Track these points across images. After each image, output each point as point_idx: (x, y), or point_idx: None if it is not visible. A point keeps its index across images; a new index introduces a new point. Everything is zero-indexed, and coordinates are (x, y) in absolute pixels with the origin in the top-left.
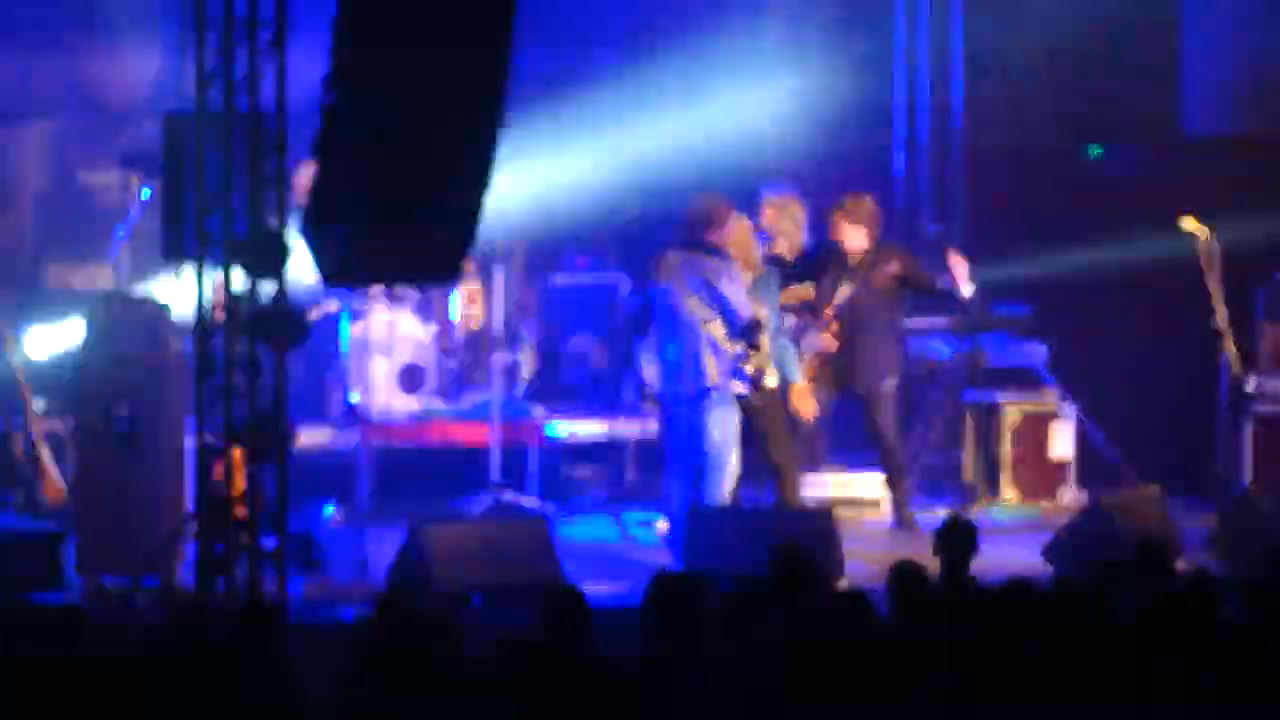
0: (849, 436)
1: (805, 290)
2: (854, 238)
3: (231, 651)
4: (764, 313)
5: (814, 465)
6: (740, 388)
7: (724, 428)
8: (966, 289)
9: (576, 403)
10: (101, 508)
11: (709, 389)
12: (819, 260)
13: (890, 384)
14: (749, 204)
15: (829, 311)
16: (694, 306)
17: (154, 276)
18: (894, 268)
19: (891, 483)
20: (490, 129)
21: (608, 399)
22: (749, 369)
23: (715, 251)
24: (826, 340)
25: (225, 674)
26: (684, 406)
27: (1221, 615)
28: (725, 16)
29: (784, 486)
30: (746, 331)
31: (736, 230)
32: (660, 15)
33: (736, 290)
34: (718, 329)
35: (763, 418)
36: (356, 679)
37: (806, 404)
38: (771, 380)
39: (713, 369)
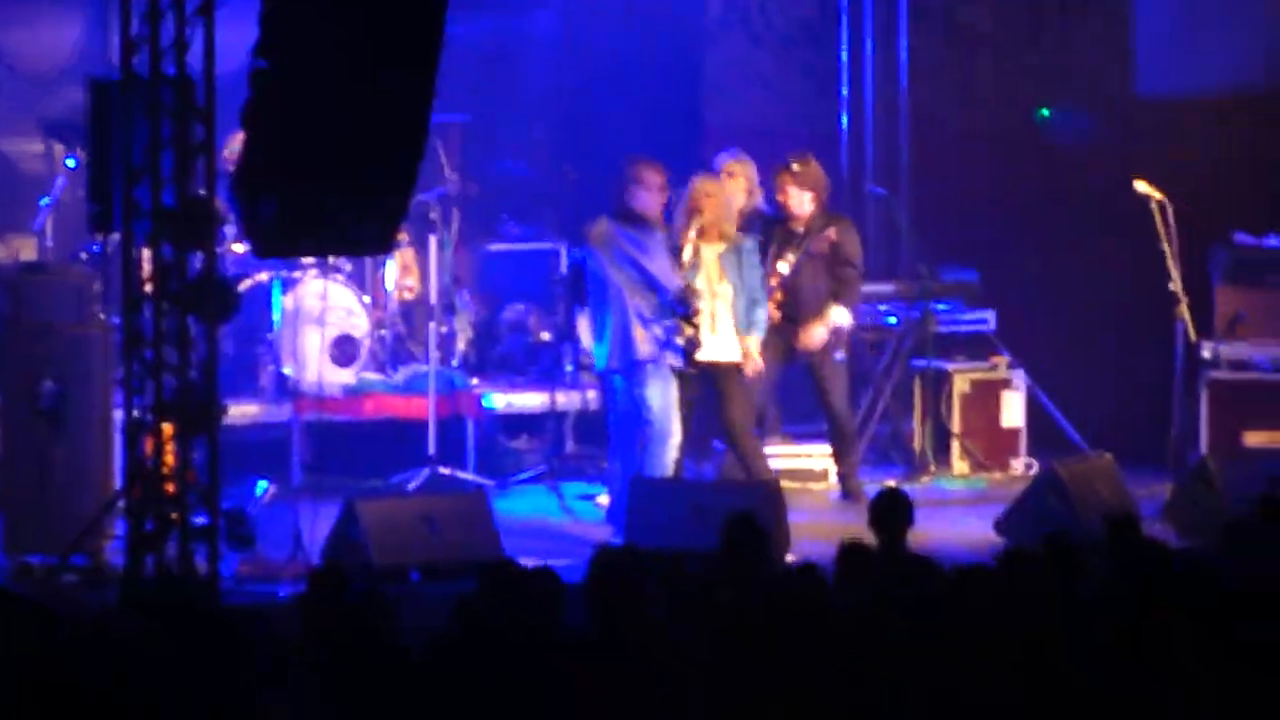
0: (796, 407)
1: None
2: (800, 202)
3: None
4: (720, 282)
5: (761, 436)
6: (674, 360)
7: (663, 398)
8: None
9: (514, 374)
10: (27, 485)
11: (638, 362)
12: (765, 227)
13: (839, 355)
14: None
15: (773, 281)
16: (620, 278)
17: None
18: (831, 234)
19: (840, 455)
20: (422, 96)
21: (546, 369)
22: (680, 341)
23: (640, 221)
24: (770, 311)
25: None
26: (618, 378)
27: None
28: None
29: (743, 452)
30: (676, 303)
31: (715, 196)
32: None
33: (660, 262)
34: (645, 300)
35: (724, 383)
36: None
37: (751, 360)
38: (733, 350)
39: (641, 341)
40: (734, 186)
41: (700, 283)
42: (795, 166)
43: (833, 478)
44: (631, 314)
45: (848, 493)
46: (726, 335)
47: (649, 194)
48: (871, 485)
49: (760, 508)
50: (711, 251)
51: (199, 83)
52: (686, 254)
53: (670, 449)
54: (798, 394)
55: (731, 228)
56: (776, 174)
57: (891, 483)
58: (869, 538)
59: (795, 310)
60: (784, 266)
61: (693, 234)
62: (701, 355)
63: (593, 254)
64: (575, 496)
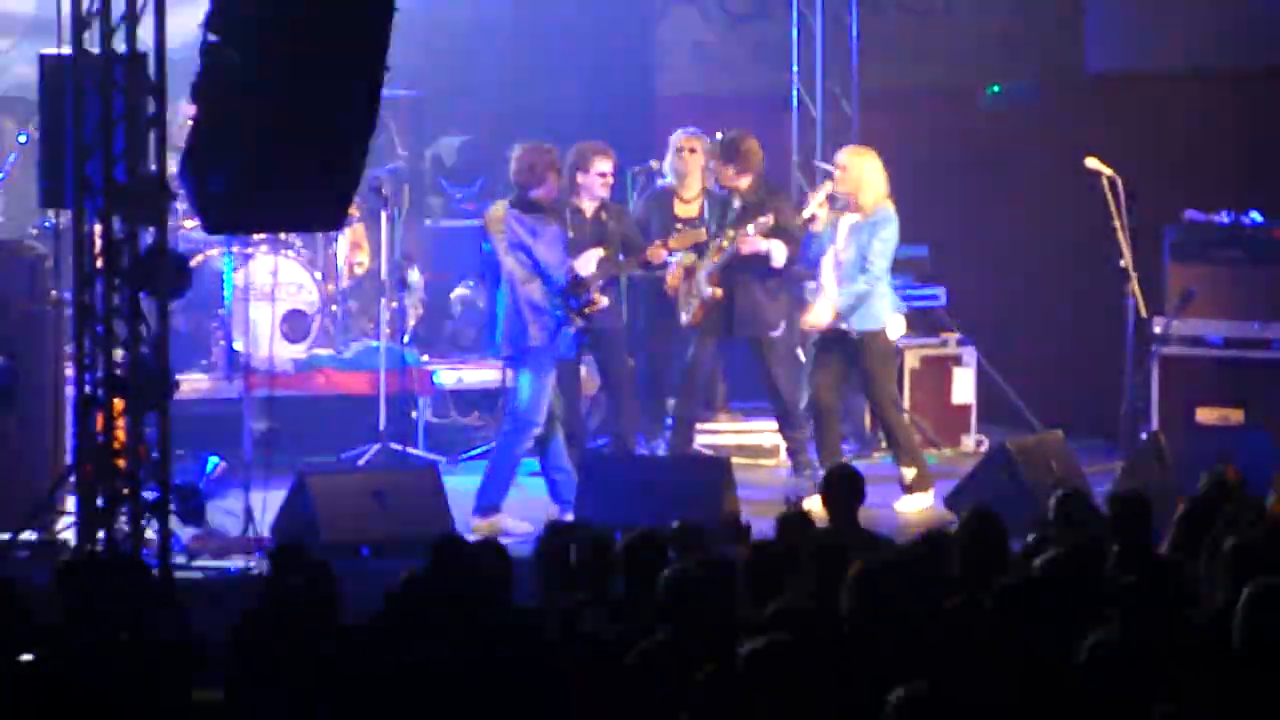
0: (745, 383)
1: (697, 234)
2: (737, 178)
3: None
4: (846, 252)
5: (711, 413)
6: (562, 349)
7: (533, 388)
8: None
9: (464, 349)
10: None
11: (529, 349)
12: (710, 206)
13: (780, 331)
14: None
15: (715, 258)
16: (510, 263)
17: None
18: (771, 215)
19: (787, 432)
20: (373, 71)
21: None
22: (570, 330)
23: (535, 208)
24: (712, 286)
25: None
26: (512, 365)
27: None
28: None
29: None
30: (566, 292)
31: (849, 169)
32: None
33: (551, 250)
34: (536, 288)
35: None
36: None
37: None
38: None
39: (532, 329)
40: (694, 162)
41: (829, 251)
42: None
43: (784, 455)
44: (522, 301)
45: (798, 469)
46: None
47: (539, 178)
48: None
49: (710, 485)
50: (846, 221)
51: (151, 58)
52: (806, 213)
53: (527, 438)
54: (747, 370)
55: (869, 200)
56: (712, 153)
57: (842, 459)
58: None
59: (737, 288)
60: (724, 244)
61: (821, 199)
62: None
63: (488, 238)
64: (527, 473)
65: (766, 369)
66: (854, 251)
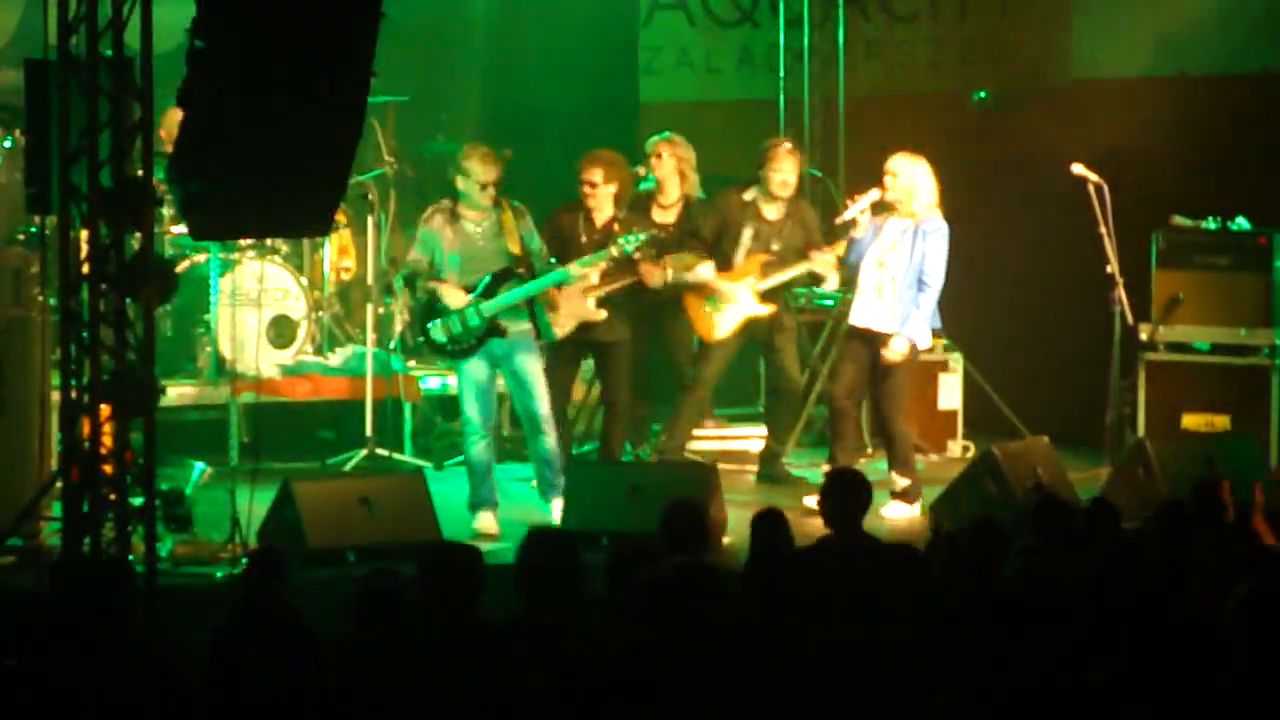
0: (729, 390)
1: (700, 258)
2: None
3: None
4: (890, 253)
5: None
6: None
7: (467, 388)
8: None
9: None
10: None
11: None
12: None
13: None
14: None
15: (765, 257)
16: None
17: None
18: (796, 213)
19: (781, 426)
20: (360, 76)
21: None
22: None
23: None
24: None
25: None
26: None
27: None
28: None
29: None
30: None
31: (895, 175)
32: None
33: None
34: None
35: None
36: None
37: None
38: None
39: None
40: (664, 168)
41: (868, 254)
42: (789, 144)
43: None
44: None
45: (774, 475)
46: (884, 308)
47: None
48: (805, 469)
49: (696, 490)
50: (894, 226)
51: (137, 62)
52: (847, 216)
53: (472, 438)
54: (733, 377)
55: (921, 207)
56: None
57: (825, 465)
58: (800, 520)
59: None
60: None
61: (864, 205)
62: (857, 320)
63: None
64: (513, 479)
65: (774, 359)
66: (908, 261)
